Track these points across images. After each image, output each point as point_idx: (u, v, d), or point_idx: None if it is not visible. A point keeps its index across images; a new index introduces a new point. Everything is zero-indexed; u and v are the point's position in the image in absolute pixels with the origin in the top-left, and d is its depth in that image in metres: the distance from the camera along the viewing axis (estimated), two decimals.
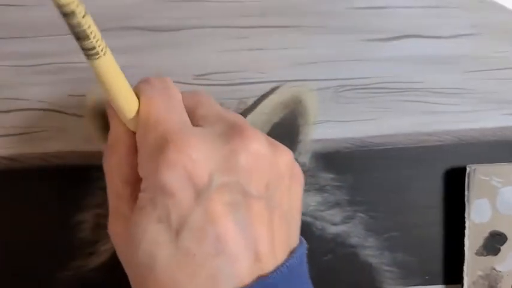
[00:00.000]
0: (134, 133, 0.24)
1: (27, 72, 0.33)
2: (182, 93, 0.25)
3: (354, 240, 0.35)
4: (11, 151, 0.33)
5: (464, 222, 0.35)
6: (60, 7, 0.19)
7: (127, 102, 0.23)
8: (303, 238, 0.26)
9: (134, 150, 0.24)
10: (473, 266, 0.35)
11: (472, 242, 0.35)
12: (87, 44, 0.20)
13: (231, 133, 0.23)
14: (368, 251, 0.36)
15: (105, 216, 0.34)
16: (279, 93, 0.34)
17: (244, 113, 0.34)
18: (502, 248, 0.35)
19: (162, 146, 0.22)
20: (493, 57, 0.35)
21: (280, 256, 0.23)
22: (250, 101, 0.34)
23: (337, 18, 0.34)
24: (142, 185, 0.23)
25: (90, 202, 0.34)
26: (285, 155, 0.24)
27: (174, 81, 0.33)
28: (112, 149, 0.25)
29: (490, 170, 0.35)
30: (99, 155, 0.33)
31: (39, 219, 0.34)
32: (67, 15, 0.19)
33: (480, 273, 0.35)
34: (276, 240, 0.23)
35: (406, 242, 0.36)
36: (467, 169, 0.34)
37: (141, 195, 0.23)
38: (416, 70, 0.35)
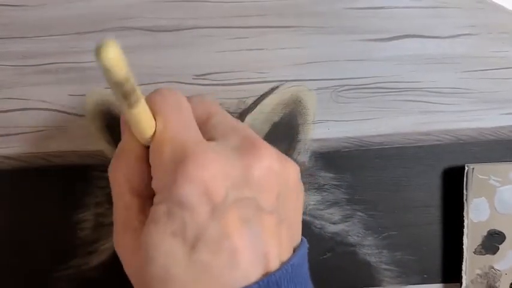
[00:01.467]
0: (146, 147, 0.25)
1: (28, 72, 0.33)
2: (189, 101, 0.25)
3: (352, 239, 0.36)
4: (12, 151, 0.33)
5: (462, 221, 0.35)
6: (115, 84, 0.19)
7: (146, 121, 0.23)
8: (304, 238, 0.26)
9: (144, 161, 0.24)
10: (471, 265, 0.35)
11: (470, 240, 0.35)
12: (132, 97, 0.21)
13: (244, 148, 0.23)
14: (367, 250, 0.36)
15: (106, 215, 0.34)
16: (278, 93, 0.34)
17: (244, 112, 0.34)
18: (500, 246, 0.35)
19: (180, 160, 0.22)
20: (491, 57, 0.35)
21: (285, 256, 0.24)
22: (250, 101, 0.34)
23: (336, 18, 0.34)
24: (157, 198, 0.23)
25: (91, 201, 0.34)
26: (293, 170, 0.25)
27: (174, 82, 0.34)
28: (121, 160, 0.25)
29: (488, 169, 0.35)
30: (99, 155, 0.34)
31: (40, 218, 0.34)
32: (119, 84, 0.20)
33: (479, 272, 0.35)
34: (283, 248, 0.24)
35: (404, 240, 0.36)
36: (466, 168, 0.35)
37: (154, 208, 0.23)
38: (415, 70, 0.35)
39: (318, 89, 0.34)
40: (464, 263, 0.35)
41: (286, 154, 0.34)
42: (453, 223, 0.35)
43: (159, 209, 0.22)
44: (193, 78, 0.34)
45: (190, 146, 0.22)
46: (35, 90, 0.33)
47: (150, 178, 0.24)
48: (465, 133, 0.35)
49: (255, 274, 0.22)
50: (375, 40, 0.34)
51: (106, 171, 0.33)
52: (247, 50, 0.34)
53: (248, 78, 0.34)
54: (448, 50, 0.35)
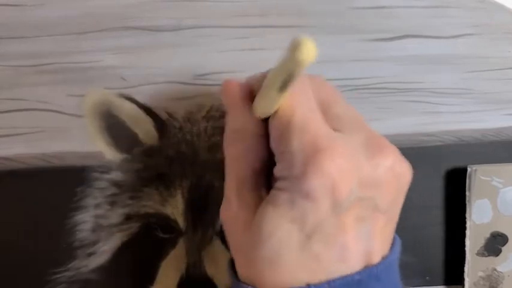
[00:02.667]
0: (261, 122, 0.25)
1: (27, 72, 0.33)
2: (311, 82, 0.25)
3: None
4: (10, 152, 0.33)
5: (465, 223, 0.35)
6: (290, 74, 0.20)
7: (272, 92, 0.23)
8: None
9: (260, 139, 0.25)
10: (474, 267, 0.35)
11: (473, 242, 0.35)
12: (289, 84, 0.22)
13: (371, 146, 0.23)
14: None
15: (105, 216, 0.34)
16: None
17: None
18: (503, 248, 0.35)
19: (311, 152, 0.22)
20: (494, 58, 0.35)
21: (386, 251, 0.25)
22: None
23: (337, 18, 0.34)
24: (280, 184, 0.23)
25: (90, 203, 0.34)
26: (409, 172, 0.25)
27: (174, 82, 0.34)
28: (238, 137, 0.25)
29: (491, 171, 0.34)
30: (98, 156, 0.33)
31: (39, 220, 0.34)
32: (292, 74, 0.21)
33: (481, 274, 0.35)
34: (385, 244, 0.25)
35: (407, 242, 0.35)
36: (468, 169, 0.34)
37: (276, 192, 0.23)
38: (417, 70, 0.35)
39: None
40: (466, 265, 0.35)
41: None
42: (455, 225, 0.35)
43: (281, 194, 0.23)
44: (193, 78, 0.34)
45: (322, 138, 0.22)
46: (34, 90, 0.33)
47: (264, 156, 0.25)
48: (468, 134, 0.35)
49: (358, 267, 0.23)
50: (377, 40, 0.34)
51: (105, 172, 0.33)
52: (247, 50, 0.34)
53: None
54: (450, 50, 0.35)
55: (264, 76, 0.25)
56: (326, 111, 0.24)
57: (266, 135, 0.25)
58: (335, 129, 0.24)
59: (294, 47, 0.19)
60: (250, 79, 0.27)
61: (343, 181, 0.22)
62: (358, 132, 0.24)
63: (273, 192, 0.23)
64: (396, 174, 0.24)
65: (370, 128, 0.25)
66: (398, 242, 0.26)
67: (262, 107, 0.24)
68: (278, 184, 0.23)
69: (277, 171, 0.24)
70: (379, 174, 0.23)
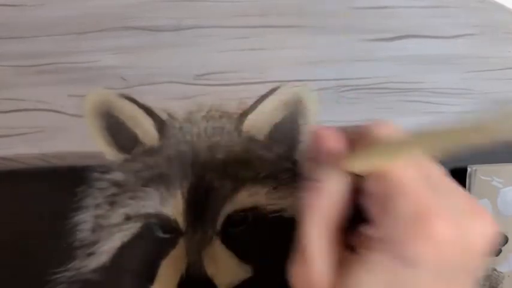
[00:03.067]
0: (351, 180, 0.25)
1: (27, 72, 0.33)
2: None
3: None
4: (11, 151, 0.33)
5: None
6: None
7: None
8: None
9: (344, 198, 0.24)
10: None
11: None
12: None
13: (471, 213, 0.23)
14: None
15: (105, 217, 0.34)
16: (279, 94, 0.34)
17: (245, 113, 0.34)
18: (503, 248, 0.35)
19: (423, 219, 0.22)
20: (494, 58, 0.35)
21: None
22: (251, 101, 0.34)
23: (338, 18, 0.34)
24: (378, 246, 0.23)
25: (90, 203, 0.34)
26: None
27: (174, 82, 0.34)
28: (323, 189, 0.25)
29: (491, 171, 0.35)
30: (99, 156, 0.34)
31: (39, 220, 0.34)
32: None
33: (481, 274, 0.35)
34: None
35: None
36: (468, 169, 0.34)
37: (373, 255, 0.23)
38: (418, 70, 0.35)
39: (320, 89, 0.34)
40: None
41: (287, 155, 0.34)
42: None
43: (380, 258, 0.22)
44: (193, 79, 0.34)
45: (430, 205, 0.22)
46: (34, 90, 0.33)
47: (349, 212, 0.24)
48: None
49: None
50: (377, 40, 0.34)
51: (106, 172, 0.33)
52: (247, 50, 0.34)
53: (249, 79, 0.34)
54: (450, 50, 0.35)
55: (363, 131, 0.24)
56: (426, 177, 0.24)
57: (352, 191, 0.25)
58: (435, 194, 0.23)
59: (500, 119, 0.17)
60: (345, 130, 0.26)
61: (450, 249, 0.22)
62: (457, 196, 0.24)
63: (366, 253, 0.23)
64: (490, 239, 0.24)
65: (464, 191, 0.25)
66: None
67: (365, 163, 0.24)
68: (375, 246, 0.23)
69: (374, 232, 0.23)
70: (479, 241, 0.23)
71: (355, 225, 0.25)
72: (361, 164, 0.24)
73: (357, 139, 0.25)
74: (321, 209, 0.24)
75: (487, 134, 0.18)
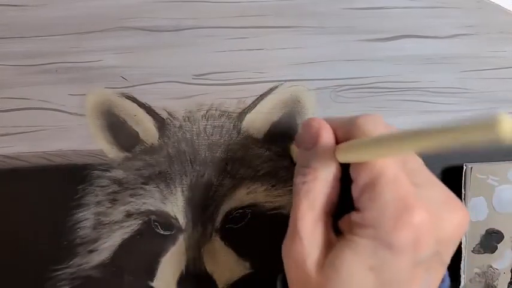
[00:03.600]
0: (343, 166, 0.26)
1: (28, 72, 0.33)
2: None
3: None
4: (13, 150, 0.33)
5: None
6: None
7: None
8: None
9: (338, 183, 0.26)
10: (470, 264, 0.35)
11: (469, 239, 0.35)
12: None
13: (448, 203, 0.25)
14: None
15: (106, 214, 0.34)
16: (277, 93, 0.34)
17: (244, 112, 0.34)
18: (498, 245, 0.35)
19: (404, 206, 0.23)
20: (490, 57, 0.35)
21: None
22: (249, 101, 0.34)
23: (334, 18, 0.34)
24: (363, 231, 0.24)
25: (91, 200, 0.34)
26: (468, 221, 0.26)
27: (173, 81, 0.34)
28: (318, 175, 0.26)
29: (486, 169, 0.35)
30: (100, 154, 0.34)
31: (40, 217, 0.34)
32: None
33: (477, 270, 0.36)
34: (437, 283, 0.26)
35: None
36: (464, 167, 0.35)
37: (359, 239, 0.24)
38: (414, 70, 0.35)
39: (317, 88, 0.34)
40: (462, 262, 0.35)
41: (285, 153, 0.34)
42: None
43: (364, 242, 0.24)
44: (193, 78, 0.34)
45: (411, 195, 0.23)
46: (36, 89, 0.33)
47: (338, 198, 0.26)
48: None
49: None
50: (374, 40, 0.34)
51: (106, 170, 0.33)
52: (246, 50, 0.34)
53: (247, 78, 0.34)
54: (446, 50, 0.35)
55: (350, 121, 0.26)
56: (403, 166, 0.25)
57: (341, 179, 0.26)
58: (413, 184, 0.24)
59: (492, 122, 0.18)
60: (333, 121, 0.28)
61: (426, 237, 0.23)
62: (434, 187, 0.25)
63: (352, 237, 0.24)
64: (464, 230, 0.25)
65: (441, 182, 0.26)
66: (447, 278, 0.27)
67: (352, 155, 0.25)
68: (360, 231, 0.24)
69: (360, 218, 0.24)
70: (452, 231, 0.24)
71: (343, 209, 0.26)
72: (349, 156, 0.25)
73: (345, 130, 0.26)
74: (315, 194, 0.26)
75: (473, 137, 0.18)
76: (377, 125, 0.25)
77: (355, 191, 0.25)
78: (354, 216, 0.25)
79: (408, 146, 0.21)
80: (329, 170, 0.26)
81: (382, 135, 0.24)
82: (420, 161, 0.27)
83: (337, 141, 0.27)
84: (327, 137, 0.27)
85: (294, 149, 0.34)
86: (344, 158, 0.26)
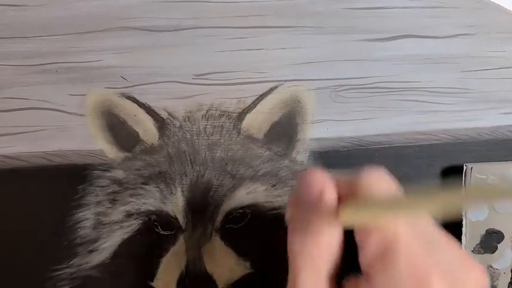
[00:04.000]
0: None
1: (28, 72, 0.33)
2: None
3: (352, 238, 0.36)
4: (13, 150, 0.34)
5: (461, 220, 0.35)
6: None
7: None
8: None
9: (341, 245, 0.24)
10: None
11: (469, 240, 0.35)
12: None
13: (466, 265, 0.23)
14: None
15: (106, 214, 0.34)
16: (277, 93, 0.34)
17: (244, 112, 0.34)
18: (499, 245, 0.35)
19: (420, 277, 0.22)
20: (489, 57, 0.35)
21: None
22: (249, 101, 0.34)
23: (334, 18, 0.34)
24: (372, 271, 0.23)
25: (91, 200, 0.34)
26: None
27: (173, 81, 0.34)
28: (321, 240, 0.24)
29: (486, 169, 0.35)
30: (100, 154, 0.34)
31: (41, 217, 0.34)
32: None
33: None
34: None
35: None
36: (464, 168, 0.35)
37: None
38: (414, 70, 0.35)
39: (317, 88, 0.34)
40: None
41: (285, 153, 0.34)
42: (452, 222, 0.35)
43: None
44: (193, 78, 0.34)
45: (428, 265, 0.22)
46: (36, 89, 0.33)
47: (338, 262, 0.24)
48: (463, 133, 0.35)
49: None
50: (374, 40, 0.34)
51: (107, 170, 0.33)
52: (246, 50, 0.34)
53: (247, 78, 0.34)
54: (446, 50, 0.35)
55: (352, 180, 0.24)
56: (415, 228, 0.24)
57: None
58: (427, 247, 0.23)
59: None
60: (336, 180, 0.25)
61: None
62: (448, 248, 0.24)
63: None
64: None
65: (453, 240, 0.25)
66: None
67: (358, 219, 0.23)
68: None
69: (367, 284, 0.23)
70: None
71: (344, 272, 0.25)
72: (352, 218, 0.23)
73: (348, 188, 0.24)
74: (318, 260, 0.24)
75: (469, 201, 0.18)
76: (381, 183, 0.24)
77: (363, 258, 0.23)
78: (364, 284, 0.23)
79: (420, 206, 0.20)
80: (332, 234, 0.24)
81: (391, 198, 0.23)
82: (432, 221, 0.25)
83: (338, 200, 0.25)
84: (331, 198, 0.24)
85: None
86: (347, 221, 0.24)
